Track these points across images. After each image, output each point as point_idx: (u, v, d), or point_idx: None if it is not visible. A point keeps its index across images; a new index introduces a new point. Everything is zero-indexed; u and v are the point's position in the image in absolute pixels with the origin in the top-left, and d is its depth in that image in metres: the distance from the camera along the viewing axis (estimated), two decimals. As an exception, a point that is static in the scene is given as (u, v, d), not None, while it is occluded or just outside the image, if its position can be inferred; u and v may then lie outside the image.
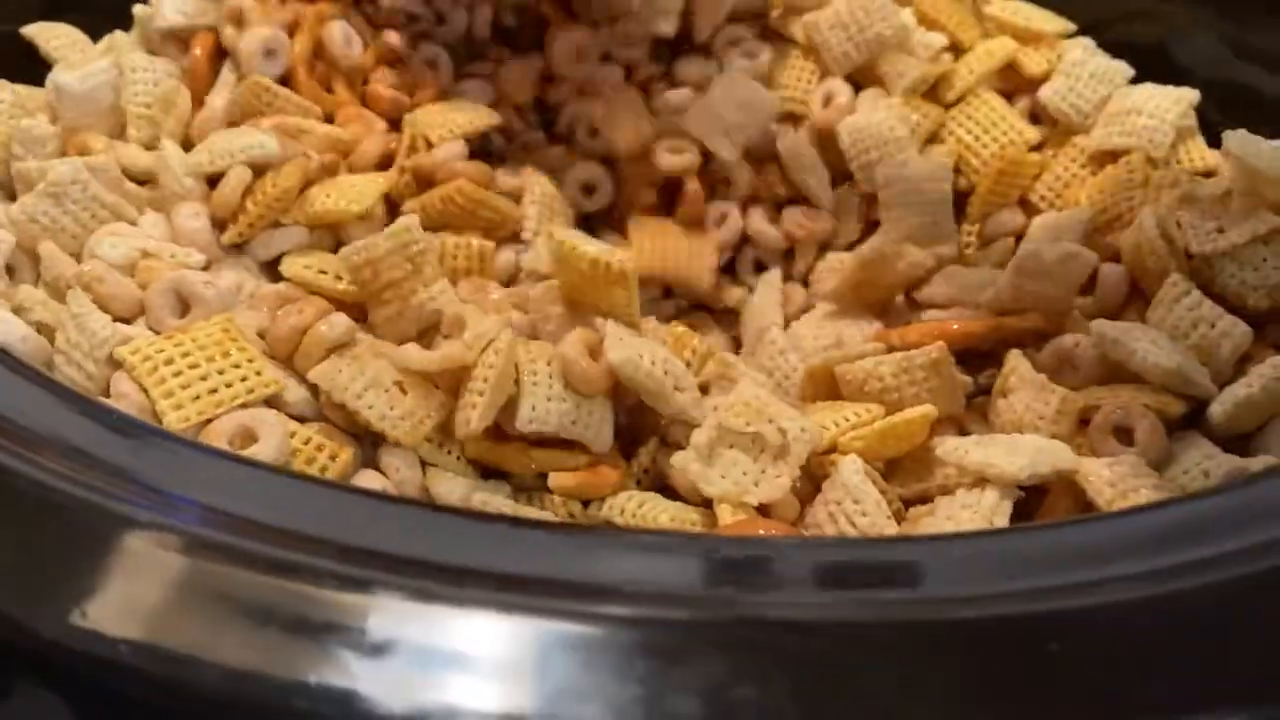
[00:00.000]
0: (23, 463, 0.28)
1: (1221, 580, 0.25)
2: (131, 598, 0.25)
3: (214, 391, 0.37)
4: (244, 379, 0.37)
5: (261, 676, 0.23)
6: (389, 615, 0.23)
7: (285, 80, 0.47)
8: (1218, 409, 0.38)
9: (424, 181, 0.46)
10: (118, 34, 0.49)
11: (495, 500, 0.37)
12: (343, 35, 0.49)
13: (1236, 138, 0.41)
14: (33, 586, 0.25)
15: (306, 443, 0.37)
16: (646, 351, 0.37)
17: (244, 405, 0.37)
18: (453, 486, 0.37)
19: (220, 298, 0.40)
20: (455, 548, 0.26)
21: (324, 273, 0.42)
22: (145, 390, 0.37)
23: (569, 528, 0.34)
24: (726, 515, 0.36)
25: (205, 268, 0.43)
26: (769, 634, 0.24)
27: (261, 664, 0.23)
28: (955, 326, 0.42)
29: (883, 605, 0.25)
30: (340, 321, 0.38)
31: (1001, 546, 0.28)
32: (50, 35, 0.49)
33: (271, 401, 0.38)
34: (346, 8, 0.50)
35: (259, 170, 0.44)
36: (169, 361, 0.37)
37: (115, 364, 0.38)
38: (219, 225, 0.43)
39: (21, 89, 0.47)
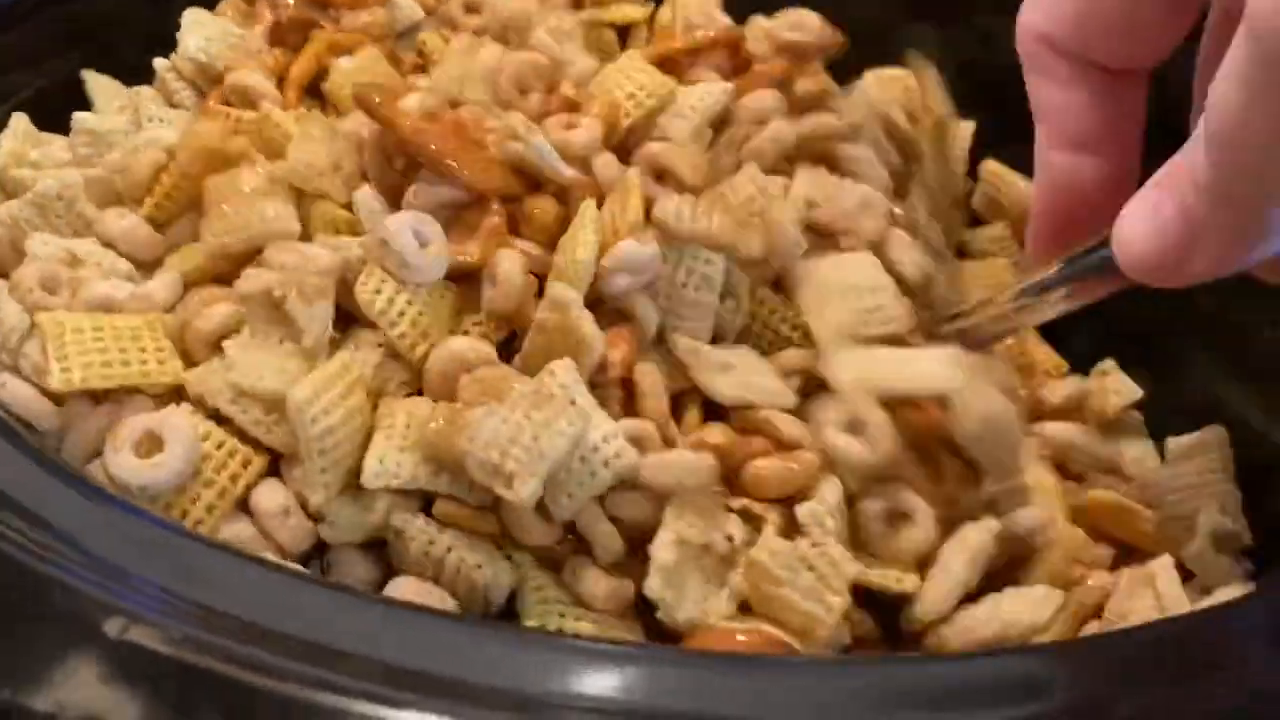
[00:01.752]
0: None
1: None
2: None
3: (107, 365, 0.39)
4: (144, 363, 0.39)
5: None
6: None
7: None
8: None
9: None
10: (141, 89, 0.52)
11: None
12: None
13: None
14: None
15: (219, 447, 0.38)
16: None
17: (135, 389, 0.39)
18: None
19: (146, 300, 0.42)
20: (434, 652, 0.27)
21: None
22: (45, 351, 0.39)
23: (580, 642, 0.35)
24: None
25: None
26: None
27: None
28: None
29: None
30: (217, 314, 0.40)
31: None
32: (94, 80, 0.53)
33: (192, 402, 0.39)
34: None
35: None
36: (78, 330, 0.39)
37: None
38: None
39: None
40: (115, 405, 0.39)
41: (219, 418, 0.39)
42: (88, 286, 0.41)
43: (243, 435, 0.38)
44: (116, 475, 0.37)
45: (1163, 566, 0.41)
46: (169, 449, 0.37)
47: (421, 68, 0.51)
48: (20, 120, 0.50)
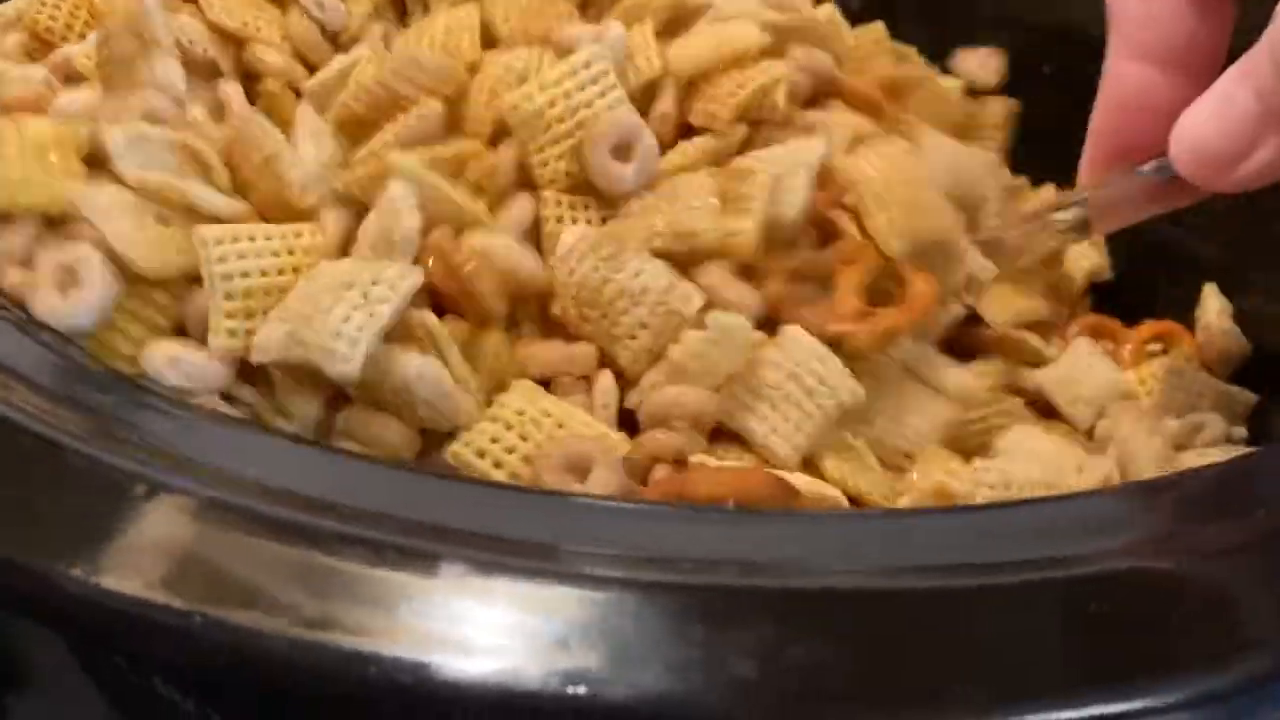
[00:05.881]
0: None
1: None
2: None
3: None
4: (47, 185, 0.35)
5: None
6: (450, 586, 0.24)
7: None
8: None
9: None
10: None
11: None
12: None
13: None
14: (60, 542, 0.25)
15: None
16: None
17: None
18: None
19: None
20: (509, 520, 0.26)
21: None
22: None
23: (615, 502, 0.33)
24: None
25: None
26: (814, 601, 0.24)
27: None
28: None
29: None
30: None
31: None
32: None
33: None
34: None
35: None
36: None
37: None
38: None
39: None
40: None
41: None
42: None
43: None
44: (41, 316, 0.33)
45: None
46: (85, 288, 0.34)
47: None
48: None
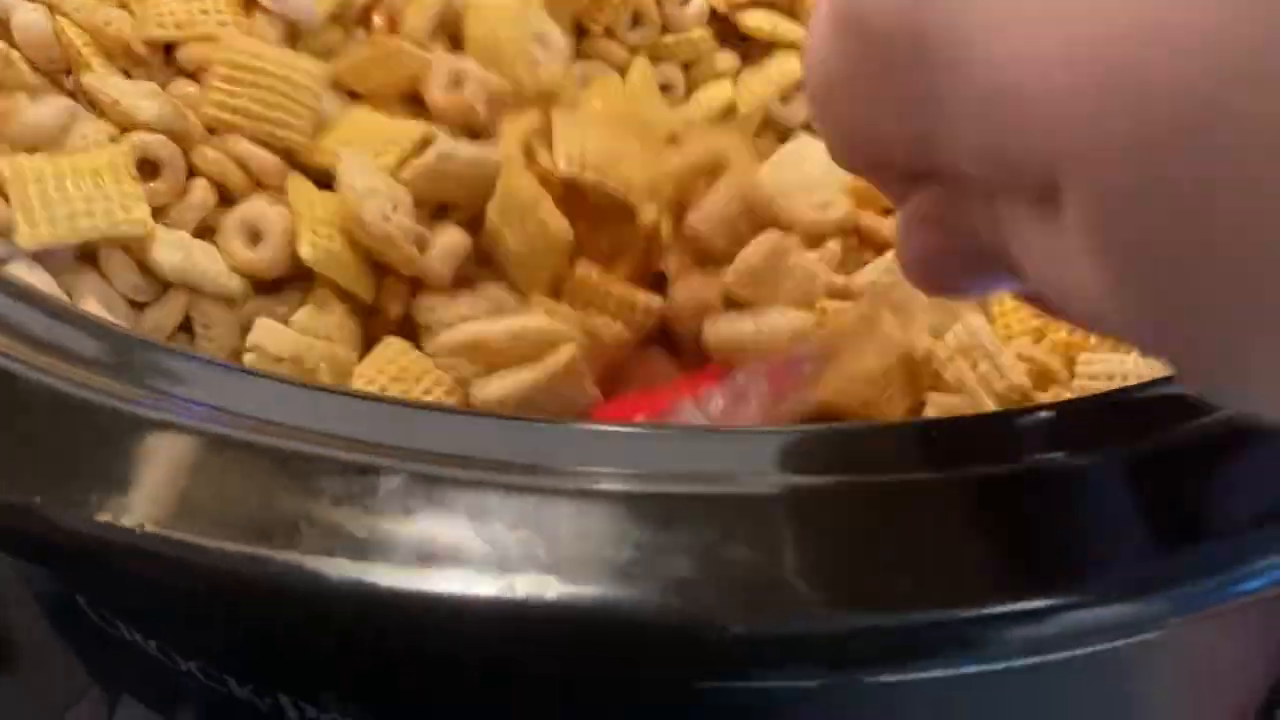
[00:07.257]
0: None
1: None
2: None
3: (71, 218, 0.37)
4: (108, 212, 0.38)
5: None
6: (396, 499, 0.25)
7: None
8: None
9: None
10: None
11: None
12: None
13: None
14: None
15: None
16: None
17: (103, 237, 0.38)
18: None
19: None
20: (452, 439, 0.27)
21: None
22: (7, 201, 0.37)
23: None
24: None
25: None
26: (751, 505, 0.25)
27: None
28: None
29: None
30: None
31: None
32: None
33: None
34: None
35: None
36: (39, 179, 0.37)
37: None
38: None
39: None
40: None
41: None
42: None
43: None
44: None
45: None
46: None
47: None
48: None
